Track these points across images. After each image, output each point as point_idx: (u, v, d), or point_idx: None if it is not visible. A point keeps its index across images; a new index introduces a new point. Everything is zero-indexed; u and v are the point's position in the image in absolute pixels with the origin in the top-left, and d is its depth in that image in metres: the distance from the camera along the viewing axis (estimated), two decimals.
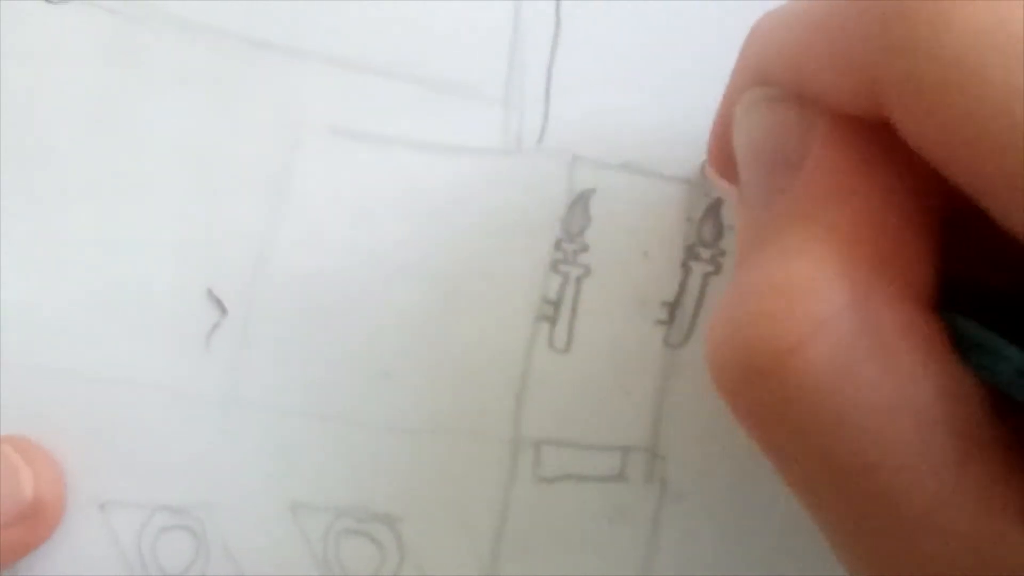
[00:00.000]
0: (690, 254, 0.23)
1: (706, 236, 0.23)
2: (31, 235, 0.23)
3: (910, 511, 0.13)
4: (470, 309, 0.23)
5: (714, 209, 0.23)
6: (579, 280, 0.23)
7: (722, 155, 0.19)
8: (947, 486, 0.13)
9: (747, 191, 0.16)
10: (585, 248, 0.23)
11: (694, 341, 0.23)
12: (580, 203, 0.23)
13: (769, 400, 0.14)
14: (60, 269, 0.23)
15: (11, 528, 0.22)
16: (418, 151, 0.23)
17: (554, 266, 0.23)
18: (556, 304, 0.23)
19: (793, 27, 0.16)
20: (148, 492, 0.23)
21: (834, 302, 0.13)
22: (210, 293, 0.23)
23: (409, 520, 0.23)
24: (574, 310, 0.23)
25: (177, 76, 0.23)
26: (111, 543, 0.23)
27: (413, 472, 0.23)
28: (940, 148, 0.13)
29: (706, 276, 0.23)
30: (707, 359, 0.15)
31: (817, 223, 0.14)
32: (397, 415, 0.23)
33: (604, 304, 0.23)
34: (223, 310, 0.23)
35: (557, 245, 0.23)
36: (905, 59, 0.13)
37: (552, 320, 0.23)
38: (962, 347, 0.14)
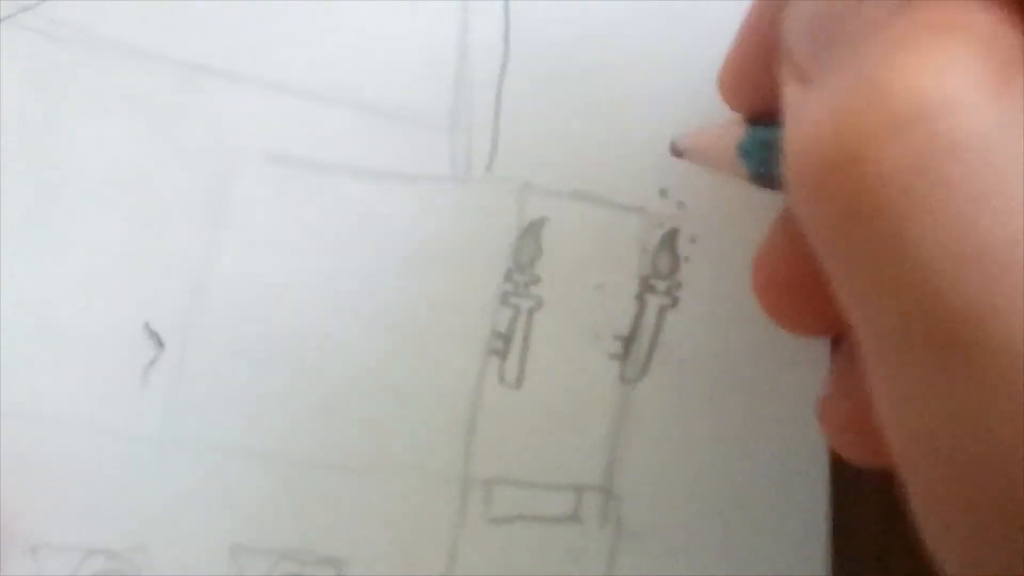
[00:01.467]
0: (645, 286, 0.22)
1: (661, 267, 0.22)
2: None
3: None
4: (417, 342, 0.22)
5: (669, 239, 0.22)
6: (530, 312, 0.22)
7: (739, 66, 0.18)
8: None
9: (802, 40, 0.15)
10: (536, 279, 0.22)
11: (650, 376, 0.22)
12: (531, 233, 0.22)
13: (915, 156, 0.12)
14: None
15: None
16: (361, 178, 0.22)
17: (504, 298, 0.22)
18: (507, 338, 0.22)
19: None
20: (82, 535, 0.23)
21: (979, 75, 0.12)
22: (147, 327, 0.22)
23: (354, 563, 0.22)
24: (525, 344, 0.22)
25: (109, 101, 0.22)
26: None
27: (358, 513, 0.22)
28: None
29: (662, 309, 0.22)
30: (789, 142, 0.13)
31: (949, 13, 0.12)
32: (341, 453, 0.22)
33: (556, 338, 0.22)
34: (161, 344, 0.22)
35: (507, 276, 0.22)
36: None
37: (502, 354, 0.22)
38: None
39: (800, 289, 0.18)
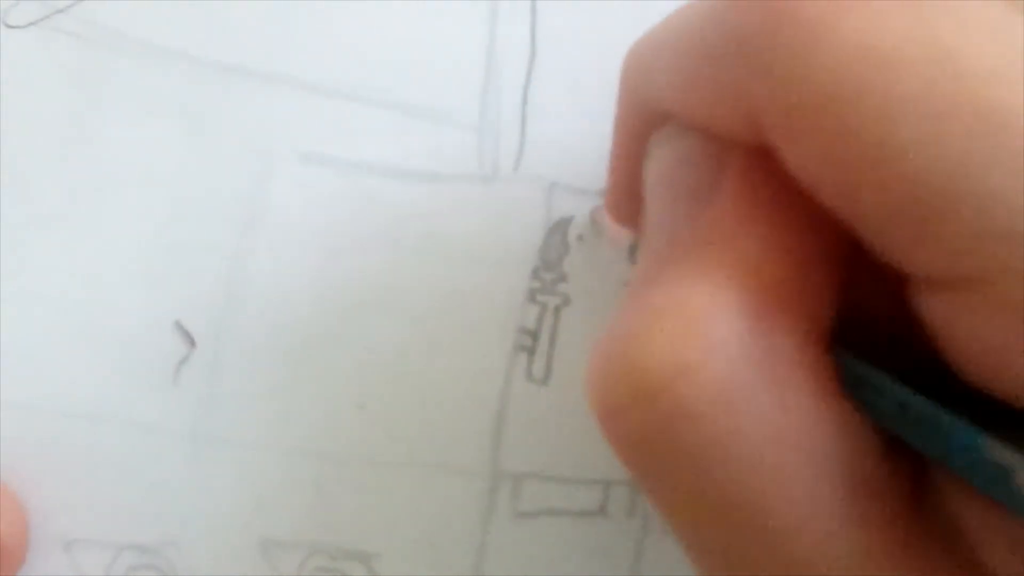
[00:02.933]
0: None
1: None
2: None
3: (794, 550, 0.13)
4: (446, 339, 0.22)
5: None
6: (557, 310, 0.22)
7: (618, 193, 0.18)
8: (833, 525, 0.13)
9: (654, 222, 0.16)
10: (563, 277, 0.22)
11: None
12: (558, 231, 0.22)
13: (653, 423, 0.13)
14: (24, 300, 0.23)
15: None
16: (392, 178, 0.22)
17: (532, 295, 0.22)
18: (534, 334, 0.22)
19: (667, 56, 0.15)
20: (115, 530, 0.23)
21: (730, 328, 0.13)
22: (178, 325, 0.23)
23: (384, 557, 0.23)
24: (553, 340, 0.22)
25: (145, 102, 0.23)
26: None
27: (388, 507, 0.23)
28: (816, 175, 0.13)
29: None
30: (588, 379, 0.14)
31: (721, 251, 0.14)
32: (371, 449, 0.23)
33: (583, 334, 0.22)
34: (192, 343, 0.23)
35: (535, 274, 0.22)
36: (774, 77, 0.13)
37: (530, 351, 0.22)
38: (848, 383, 0.14)
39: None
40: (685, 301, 0.13)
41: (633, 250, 0.20)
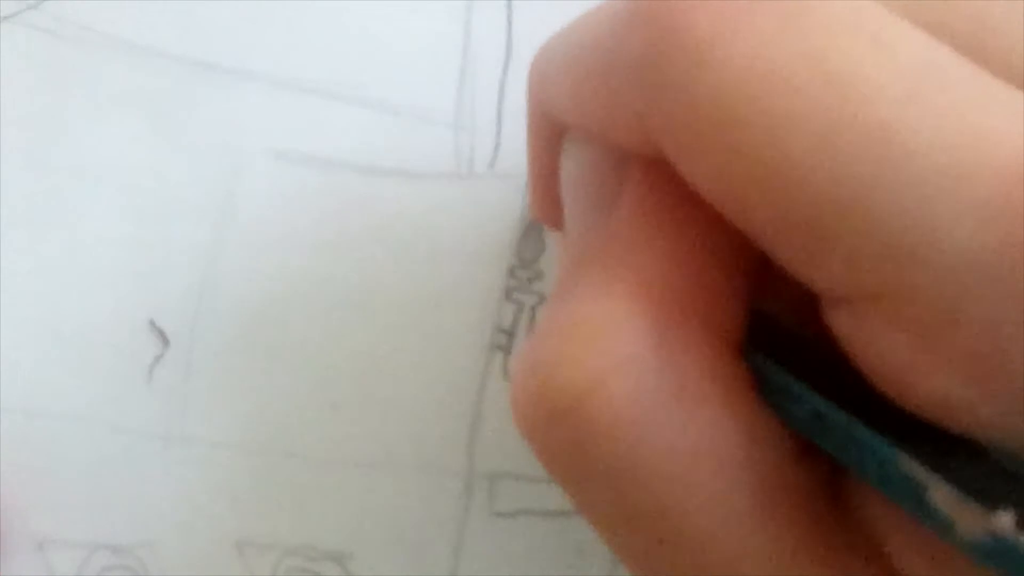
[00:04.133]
0: None
1: None
2: None
3: (711, 557, 0.13)
4: (421, 338, 0.22)
5: None
6: (533, 309, 0.22)
7: (540, 198, 0.18)
8: (749, 532, 0.13)
9: (569, 230, 0.16)
10: (539, 276, 0.22)
11: None
12: (534, 229, 0.22)
13: (568, 441, 0.13)
14: None
15: None
16: (366, 175, 0.22)
17: (508, 294, 0.22)
18: (510, 333, 0.22)
19: (563, 71, 0.15)
20: (88, 530, 0.23)
21: (634, 342, 0.13)
22: (152, 324, 0.22)
23: (360, 558, 0.23)
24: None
25: (114, 99, 0.22)
26: None
27: (364, 507, 0.23)
28: (711, 192, 0.13)
29: None
30: (511, 396, 0.14)
31: (622, 264, 0.14)
32: (346, 448, 0.22)
33: None
34: (166, 342, 0.22)
35: (511, 272, 0.22)
36: (667, 97, 0.13)
37: (506, 349, 0.22)
38: (766, 390, 0.14)
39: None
40: (589, 318, 0.13)
41: None
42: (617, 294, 0.14)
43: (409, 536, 0.23)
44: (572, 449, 0.13)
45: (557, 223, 0.18)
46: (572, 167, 0.16)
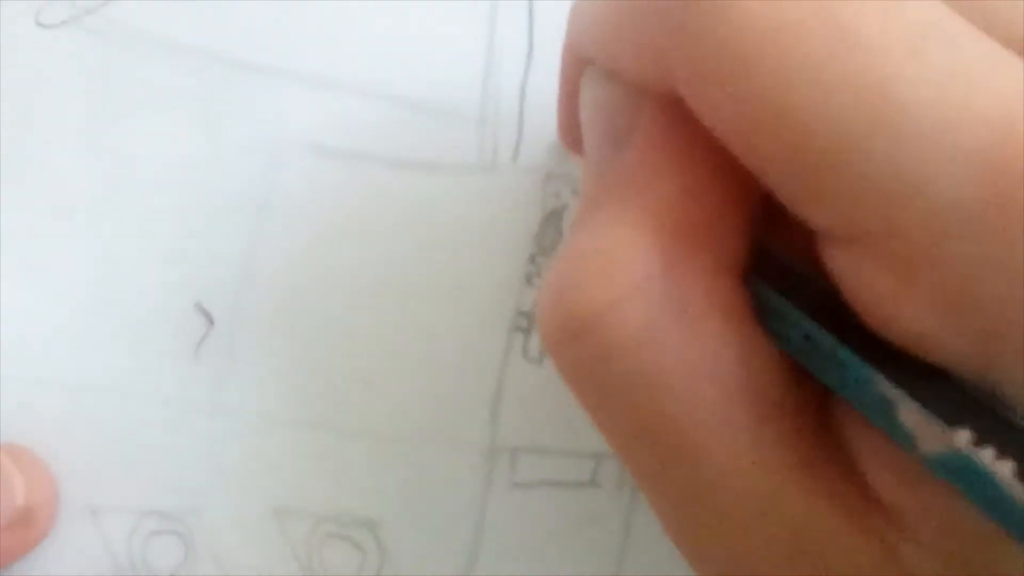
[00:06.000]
0: None
1: None
2: (26, 250, 0.24)
3: (709, 467, 0.14)
4: (447, 320, 0.24)
5: None
6: None
7: (567, 127, 0.20)
8: (743, 444, 0.14)
9: (589, 161, 0.17)
10: None
11: None
12: (553, 219, 0.24)
13: (587, 357, 0.15)
14: (54, 283, 0.24)
15: (3, 533, 0.22)
16: (396, 168, 0.24)
17: (528, 279, 0.24)
18: (530, 316, 0.24)
19: (598, 8, 0.16)
20: (138, 497, 0.24)
21: (646, 268, 0.14)
22: (198, 306, 0.24)
23: (389, 525, 0.24)
24: None
25: (162, 97, 0.24)
26: (102, 547, 0.24)
27: (393, 478, 0.24)
28: (722, 129, 0.14)
29: None
30: (537, 317, 0.16)
31: (636, 194, 0.15)
32: (377, 423, 0.24)
33: None
34: (211, 322, 0.24)
35: (531, 259, 0.24)
36: (689, 37, 0.14)
37: (526, 331, 0.24)
38: (764, 316, 0.15)
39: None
40: (605, 244, 0.15)
41: None
42: (630, 222, 0.15)
43: (435, 505, 0.24)
44: (591, 364, 0.15)
45: (578, 147, 0.19)
46: (591, 100, 0.17)
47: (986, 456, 0.12)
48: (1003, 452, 0.12)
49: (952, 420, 0.13)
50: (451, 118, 0.24)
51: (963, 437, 0.13)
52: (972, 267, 0.12)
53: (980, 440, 0.13)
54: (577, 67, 0.18)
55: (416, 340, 0.24)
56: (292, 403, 0.24)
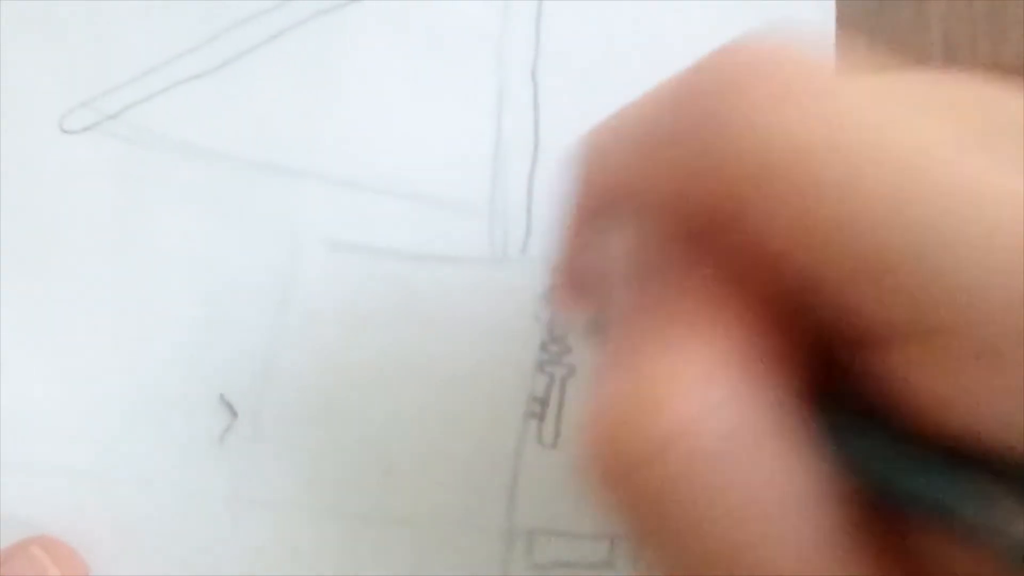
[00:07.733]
0: None
1: None
2: (55, 344, 0.25)
3: None
4: (463, 408, 0.24)
5: None
6: (564, 379, 0.24)
7: (571, 282, 0.20)
8: (821, 565, 0.14)
9: (619, 303, 0.17)
10: (569, 349, 0.24)
11: None
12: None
13: (649, 488, 0.14)
14: (83, 376, 0.25)
15: None
16: (411, 262, 0.25)
17: (540, 367, 0.24)
18: (543, 402, 0.24)
19: (626, 138, 0.17)
20: None
21: (710, 397, 0.14)
22: (222, 398, 0.25)
23: None
24: (560, 407, 0.24)
25: (186, 195, 0.25)
26: None
27: (415, 563, 0.24)
28: (785, 240, 0.14)
29: None
30: (583, 452, 0.15)
31: (693, 325, 0.15)
32: (398, 509, 0.24)
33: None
34: (234, 413, 0.25)
35: (543, 347, 0.24)
36: (750, 159, 0.14)
37: (540, 417, 0.24)
38: (832, 434, 0.15)
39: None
40: (669, 374, 0.15)
41: (591, 326, 0.21)
42: (690, 352, 0.15)
43: None
44: (653, 496, 0.14)
45: (578, 303, 0.20)
46: (621, 242, 0.17)
47: None
48: None
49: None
50: (463, 213, 0.24)
51: None
52: None
53: None
54: (589, 216, 0.18)
55: (434, 427, 0.24)
56: (314, 491, 0.25)
